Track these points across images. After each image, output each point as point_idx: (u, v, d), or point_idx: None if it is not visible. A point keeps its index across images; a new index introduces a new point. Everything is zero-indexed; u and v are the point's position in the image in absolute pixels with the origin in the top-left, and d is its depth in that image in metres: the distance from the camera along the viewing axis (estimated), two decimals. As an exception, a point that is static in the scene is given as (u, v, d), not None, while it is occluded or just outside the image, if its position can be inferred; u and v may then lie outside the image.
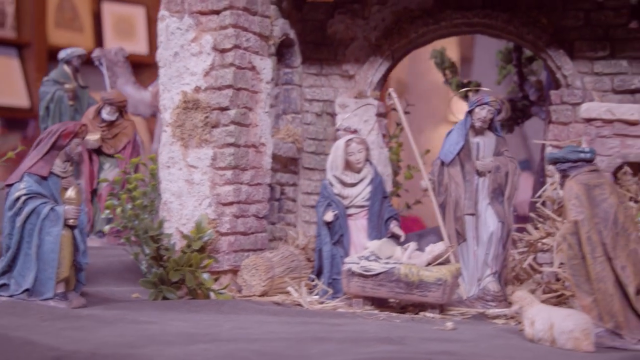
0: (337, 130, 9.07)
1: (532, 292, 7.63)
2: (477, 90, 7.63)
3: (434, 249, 6.90)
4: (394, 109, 8.15)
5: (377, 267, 6.79)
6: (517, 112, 11.25)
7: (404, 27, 9.06)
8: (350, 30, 9.25)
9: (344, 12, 9.31)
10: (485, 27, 8.97)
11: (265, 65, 7.97)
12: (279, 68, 9.24)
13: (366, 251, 7.00)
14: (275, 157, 8.52)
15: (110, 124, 9.84)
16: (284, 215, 9.02)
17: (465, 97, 11.07)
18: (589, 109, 7.73)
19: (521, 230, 8.55)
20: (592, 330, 5.42)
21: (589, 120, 7.72)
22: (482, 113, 7.37)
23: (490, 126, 7.49)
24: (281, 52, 9.16)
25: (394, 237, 7.54)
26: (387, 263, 6.81)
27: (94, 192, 9.96)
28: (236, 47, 7.55)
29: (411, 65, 16.17)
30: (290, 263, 7.73)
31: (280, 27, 8.56)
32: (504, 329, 6.29)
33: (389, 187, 9.17)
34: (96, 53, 12.37)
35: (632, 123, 7.59)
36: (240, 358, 4.80)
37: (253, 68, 7.78)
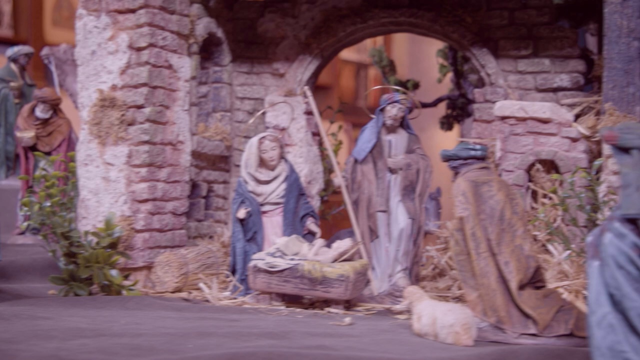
0: (267, 127, 9.15)
1: (448, 287, 7.73)
2: (405, 92, 7.69)
3: (341, 245, 6.97)
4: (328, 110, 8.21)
5: (281, 263, 6.86)
6: (457, 110, 11.32)
7: (332, 26, 9.13)
8: (281, 29, 9.31)
9: (274, 10, 9.38)
10: (411, 26, 9.04)
11: (184, 64, 8.03)
12: (208, 66, 9.30)
13: (272, 247, 7.07)
14: (201, 155, 8.59)
15: (45, 122, 9.88)
16: (213, 213, 9.09)
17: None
18: (502, 107, 7.80)
19: (442, 227, 8.64)
20: (472, 324, 5.50)
21: (503, 118, 7.79)
22: (393, 111, 7.45)
23: (403, 124, 7.57)
24: (210, 51, 9.23)
25: (311, 233, 7.61)
26: (292, 259, 6.88)
27: (30, 189, 10.01)
28: (151, 45, 7.61)
29: (412, 63, 16.24)
30: (207, 260, 7.80)
31: (204, 26, 8.62)
32: (400, 324, 6.35)
33: (321, 185, 9.24)
34: (45, 51, 12.41)
35: (544, 121, 7.66)
36: (110, 353, 4.86)
37: (170, 66, 7.84)
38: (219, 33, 9.01)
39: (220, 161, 9.09)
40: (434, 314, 5.61)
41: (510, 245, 5.74)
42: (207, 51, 9.22)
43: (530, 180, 7.79)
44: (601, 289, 4.48)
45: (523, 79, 8.67)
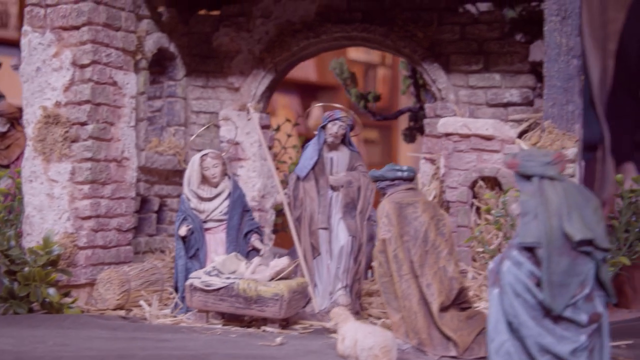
0: (221, 142, 9.16)
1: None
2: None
3: (278, 263, 6.98)
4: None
5: (217, 282, 6.87)
6: (419, 122, 11.31)
7: (286, 40, 9.13)
8: (235, 43, 9.32)
9: (229, 25, 9.39)
10: (364, 41, 9.05)
11: (130, 80, 8.04)
12: (163, 81, 9.32)
13: (209, 266, 7.08)
14: (151, 170, 8.60)
15: (2, 135, 9.89)
16: (167, 227, 9.10)
17: (364, 107, 11.15)
18: (445, 123, 7.81)
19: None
20: (392, 347, 5.48)
21: (447, 135, 7.80)
22: (334, 129, 7.45)
23: (344, 141, 7.58)
24: (164, 65, 9.24)
25: (255, 250, 7.62)
26: (228, 278, 6.89)
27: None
28: (95, 62, 7.62)
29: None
30: (151, 276, 7.80)
31: (155, 41, 8.64)
32: (331, 344, 6.34)
33: (276, 199, 9.24)
34: (14, 62, 12.44)
35: (487, 138, 7.66)
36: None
37: (114, 83, 7.85)
38: (172, 48, 9.03)
39: (174, 175, 9.10)
40: (356, 336, 5.60)
41: (433, 267, 5.75)
42: (160, 66, 9.24)
43: (474, 197, 7.79)
44: (500, 316, 4.49)
45: (474, 93, 8.67)
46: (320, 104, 8.38)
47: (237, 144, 9.02)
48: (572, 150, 6.96)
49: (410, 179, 6.06)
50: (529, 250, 4.40)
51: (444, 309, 5.71)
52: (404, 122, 11.98)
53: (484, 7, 9.11)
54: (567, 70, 7.40)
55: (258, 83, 9.26)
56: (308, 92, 16.40)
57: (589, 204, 4.40)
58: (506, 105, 8.58)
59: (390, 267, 5.74)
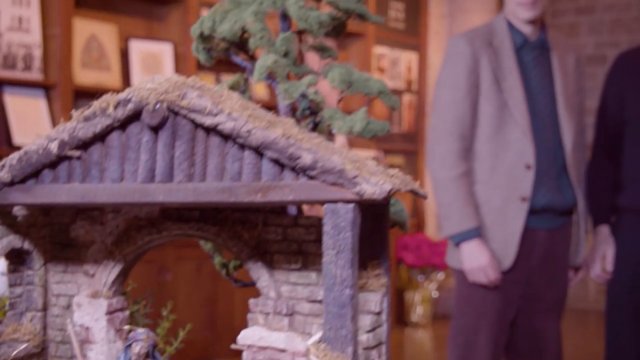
0: (73, 326, 10.06)
1: None
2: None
3: None
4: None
5: None
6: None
7: (132, 234, 9.98)
8: (90, 235, 10.21)
9: (84, 217, 10.29)
10: (200, 238, 9.97)
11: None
12: (22, 270, 10.24)
13: None
14: (2, 360, 9.50)
15: None
16: (23, 406, 9.95)
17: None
18: (245, 336, 8.63)
19: None
20: None
21: (248, 347, 8.64)
22: (136, 349, 8.30)
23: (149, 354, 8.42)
24: (22, 257, 10.17)
25: None
26: None
27: None
28: None
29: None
30: None
31: (6, 245, 9.57)
32: None
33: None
34: None
35: (280, 350, 8.49)
36: None
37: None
38: (26, 245, 9.95)
39: (30, 357, 9.96)
40: None
41: None
42: (19, 257, 10.17)
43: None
44: None
45: (294, 289, 9.53)
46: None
47: (87, 329, 9.90)
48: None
49: None
50: None
51: None
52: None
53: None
54: (341, 299, 8.25)
55: (109, 272, 10.15)
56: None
57: None
58: (321, 301, 9.44)
59: None
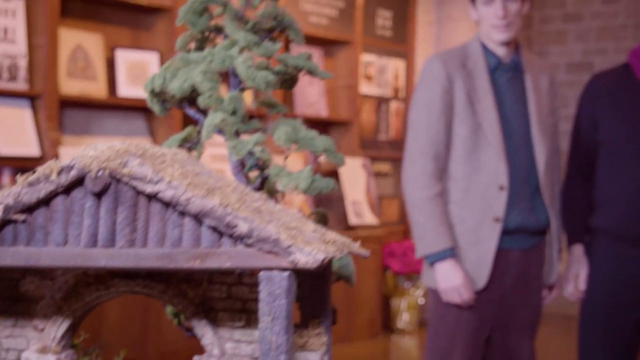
0: None
1: None
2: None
3: None
4: None
5: None
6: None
7: (80, 290, 9.91)
8: (39, 290, 10.17)
9: (34, 273, 10.26)
10: (146, 295, 10.03)
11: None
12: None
13: None
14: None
15: None
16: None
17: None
18: None
19: None
20: None
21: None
22: None
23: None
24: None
25: None
26: None
27: None
28: None
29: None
30: None
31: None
32: None
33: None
34: None
35: None
36: None
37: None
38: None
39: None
40: None
41: None
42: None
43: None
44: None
45: (238, 346, 9.55)
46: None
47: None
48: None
49: None
50: None
51: None
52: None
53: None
54: (277, 365, 8.32)
55: (57, 327, 10.13)
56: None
57: None
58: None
59: None
